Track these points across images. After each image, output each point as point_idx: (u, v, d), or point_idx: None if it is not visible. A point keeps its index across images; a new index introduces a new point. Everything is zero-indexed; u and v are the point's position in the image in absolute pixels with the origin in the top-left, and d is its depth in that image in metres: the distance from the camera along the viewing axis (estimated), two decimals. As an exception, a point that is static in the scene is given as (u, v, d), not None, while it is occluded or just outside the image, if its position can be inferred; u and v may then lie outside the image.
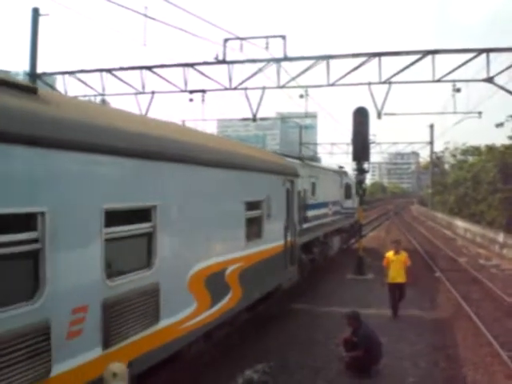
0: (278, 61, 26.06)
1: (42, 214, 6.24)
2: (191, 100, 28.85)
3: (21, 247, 6.07)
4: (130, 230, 8.28)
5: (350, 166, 39.80)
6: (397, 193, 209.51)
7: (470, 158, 74.62)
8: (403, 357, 13.71)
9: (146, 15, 22.54)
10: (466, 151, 78.14)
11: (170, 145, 9.58)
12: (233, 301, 12.25)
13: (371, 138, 35.03)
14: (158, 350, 8.81)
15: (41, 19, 26.34)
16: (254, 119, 29.51)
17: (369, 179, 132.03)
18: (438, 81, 25.16)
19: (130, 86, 28.27)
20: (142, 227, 8.54)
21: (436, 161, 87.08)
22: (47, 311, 6.30)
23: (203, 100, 28.86)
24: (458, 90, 27.01)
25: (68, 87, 28.65)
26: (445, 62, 25.26)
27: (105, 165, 7.60)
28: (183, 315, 9.76)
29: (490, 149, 62.68)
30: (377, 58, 25.04)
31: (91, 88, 28.64)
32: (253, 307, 14.64)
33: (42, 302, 6.23)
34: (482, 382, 12.24)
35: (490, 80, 24.40)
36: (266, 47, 25.36)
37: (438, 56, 24.52)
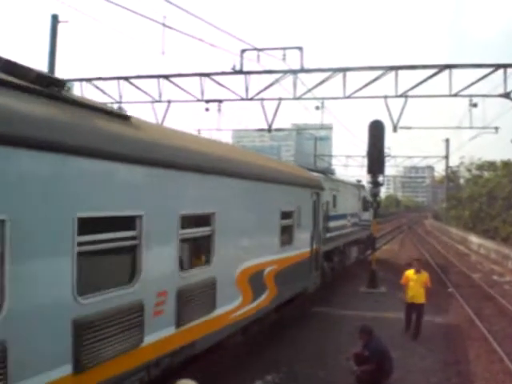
0: (294, 72, 26.15)
1: (140, 217, 7.89)
2: (207, 109, 28.95)
3: (124, 242, 7.74)
4: (197, 232, 10.20)
5: (364, 179, 39.90)
6: (411, 206, 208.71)
7: (486, 173, 74.20)
8: (414, 371, 13.63)
9: (164, 24, 22.68)
10: (482, 166, 77.72)
11: (227, 163, 11.48)
12: (268, 299, 13.87)
13: (386, 151, 34.93)
14: (213, 334, 10.58)
15: (60, 26, 26.55)
16: (270, 130, 29.59)
17: (383, 192, 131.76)
18: (455, 95, 25.13)
19: (147, 94, 28.47)
20: (205, 230, 10.33)
21: (451, 175, 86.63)
22: (141, 293, 7.94)
23: (219, 110, 29.01)
24: (475, 105, 26.91)
25: (85, 94, 28.89)
26: (461, 77, 25.27)
27: (182, 179, 9.43)
28: (232, 306, 11.51)
29: (506, 164, 62.40)
30: (393, 72, 25.07)
31: (108, 95, 28.87)
32: (278, 309, 15.77)
33: (138, 286, 7.89)
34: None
35: (506, 95, 24.34)
36: (283, 58, 25.49)
37: (454, 70, 24.51)
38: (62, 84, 7.30)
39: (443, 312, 21.02)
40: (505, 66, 23.75)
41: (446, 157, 77.95)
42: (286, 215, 15.39)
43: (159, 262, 8.56)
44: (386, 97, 25.94)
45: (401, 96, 25.59)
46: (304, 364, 13.77)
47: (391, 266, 34.17)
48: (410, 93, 25.46)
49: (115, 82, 28.62)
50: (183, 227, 9.22)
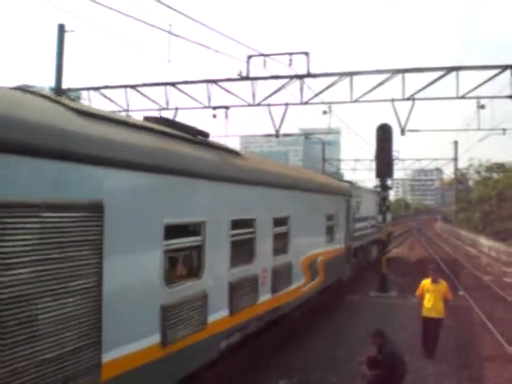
0: (301, 77, 26.15)
1: (204, 222, 9.66)
2: (214, 116, 28.99)
3: (193, 243, 9.52)
4: (280, 230, 13.85)
5: (372, 183, 40.10)
6: (420, 209, 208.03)
7: (495, 175, 73.90)
8: (427, 375, 13.56)
9: (170, 32, 22.74)
10: (491, 168, 77.45)
11: (297, 180, 16.17)
12: (319, 281, 18.01)
13: (394, 154, 35.04)
14: (291, 302, 14.87)
15: (66, 35, 26.70)
16: (277, 135, 29.59)
17: (392, 196, 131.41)
18: (462, 97, 25.08)
19: (154, 102, 28.55)
20: (282, 229, 14.11)
21: (460, 177, 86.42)
22: (205, 284, 9.63)
23: (226, 116, 29.04)
24: (482, 107, 26.83)
25: (93, 103, 29.00)
26: (469, 79, 25.19)
27: (274, 193, 13.60)
28: (300, 283, 15.67)
29: (515, 166, 62.12)
30: (400, 75, 25.07)
31: (116, 104, 28.97)
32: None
33: (203, 279, 9.60)
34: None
35: (514, 97, 24.24)
36: (290, 64, 25.49)
37: (461, 72, 24.47)
38: (206, 135, 11.21)
39: (454, 315, 20.90)
40: (512, 67, 23.68)
41: (455, 159, 77.77)
42: (329, 218, 19.84)
43: (217, 259, 10.36)
44: (393, 100, 25.93)
45: (408, 99, 25.56)
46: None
47: (402, 269, 34.09)
48: (417, 95, 25.44)
49: (122, 90, 28.74)
50: (275, 226, 13.36)
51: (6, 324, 5.44)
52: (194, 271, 9.54)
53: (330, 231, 19.86)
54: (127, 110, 28.90)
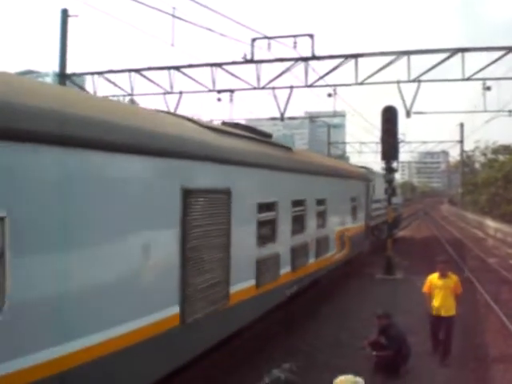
0: (305, 60, 26.05)
1: (276, 202, 13.40)
2: (219, 100, 28.99)
3: (269, 218, 12.92)
4: (320, 208, 17.83)
5: (378, 166, 40.16)
6: (426, 192, 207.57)
7: (501, 157, 73.55)
8: (432, 357, 13.59)
9: (173, 15, 22.69)
10: (497, 150, 77.12)
11: (333, 169, 21.21)
12: (346, 252, 22.23)
13: (400, 136, 35.03)
14: (328, 266, 19.23)
15: (70, 20, 26.66)
16: (282, 119, 29.54)
17: (399, 179, 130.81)
18: (468, 79, 24.96)
19: (159, 85, 28.54)
20: (322, 208, 18.12)
21: (466, 160, 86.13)
22: (277, 247, 13.56)
23: (231, 100, 29.02)
24: (488, 88, 26.75)
25: (97, 88, 28.97)
26: (475, 60, 25.04)
27: (317, 180, 17.92)
28: (333, 252, 20.02)
29: (522, 147, 61.78)
30: (406, 57, 24.94)
31: (120, 88, 28.94)
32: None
33: (276, 243, 13.41)
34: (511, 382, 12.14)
35: (520, 78, 24.12)
36: (294, 46, 25.37)
37: (467, 54, 24.31)
38: (270, 135, 15.17)
39: (459, 297, 20.87)
40: (518, 48, 23.51)
41: (461, 141, 77.49)
42: (353, 199, 23.78)
43: (285, 230, 14.13)
44: (398, 82, 25.86)
45: (413, 81, 25.48)
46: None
47: (408, 251, 34.13)
48: (422, 77, 25.35)
49: (126, 74, 28.71)
50: (317, 205, 17.45)
51: (193, 262, 9.08)
52: (271, 237, 13.20)
53: (353, 211, 23.86)
54: (131, 95, 28.90)
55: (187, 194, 8.89)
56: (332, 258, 19.69)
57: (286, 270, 14.10)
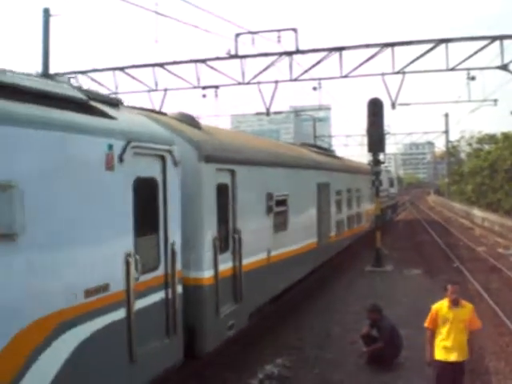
0: (290, 54, 26.05)
1: (341, 190, 24.54)
2: (204, 96, 28.89)
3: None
4: (358, 194, 30.09)
5: (365, 158, 40.66)
6: (413, 183, 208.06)
7: (487, 147, 73.79)
8: (424, 349, 13.58)
9: (156, 12, 22.56)
10: (482, 139, 77.35)
11: (357, 167, 33.83)
12: (369, 225, 32.30)
13: (386, 128, 35.09)
14: (365, 229, 32.14)
15: (52, 19, 26.40)
16: (268, 113, 29.51)
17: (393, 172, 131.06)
18: (452, 69, 25.06)
19: (143, 83, 28.45)
20: (359, 194, 30.27)
21: (452, 150, 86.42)
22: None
23: (216, 95, 28.92)
24: (473, 78, 26.79)
25: (82, 86, 28.74)
26: (458, 51, 25.08)
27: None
28: (363, 224, 31.56)
29: (507, 136, 61.97)
30: (390, 48, 25.01)
31: (104, 87, 28.75)
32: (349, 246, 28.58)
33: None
34: (504, 372, 12.20)
35: (504, 67, 24.26)
36: (278, 41, 25.37)
37: (451, 44, 24.39)
38: (332, 150, 34.05)
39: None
40: (501, 38, 23.64)
41: (446, 132, 77.84)
42: (371, 189, 29.89)
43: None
44: (383, 74, 25.94)
45: (398, 73, 25.55)
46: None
47: (397, 244, 34.24)
48: (407, 69, 25.44)
49: (111, 72, 28.55)
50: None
51: (320, 221, 19.83)
52: (340, 209, 23.57)
53: (365, 198, 32.13)
54: (116, 93, 28.72)
55: (319, 187, 19.74)
56: (365, 225, 31.88)
57: (346, 228, 25.62)
